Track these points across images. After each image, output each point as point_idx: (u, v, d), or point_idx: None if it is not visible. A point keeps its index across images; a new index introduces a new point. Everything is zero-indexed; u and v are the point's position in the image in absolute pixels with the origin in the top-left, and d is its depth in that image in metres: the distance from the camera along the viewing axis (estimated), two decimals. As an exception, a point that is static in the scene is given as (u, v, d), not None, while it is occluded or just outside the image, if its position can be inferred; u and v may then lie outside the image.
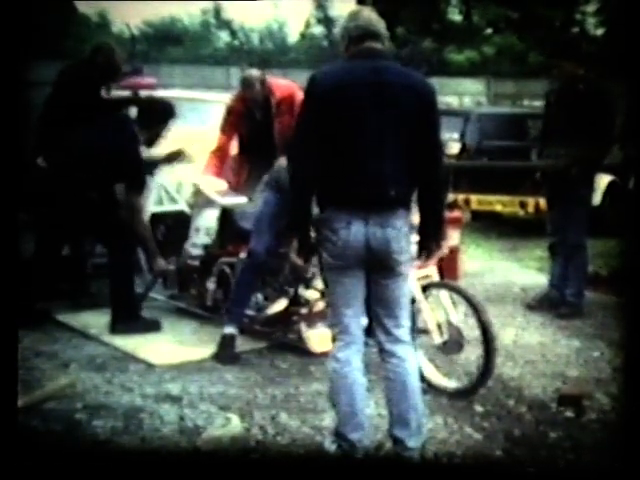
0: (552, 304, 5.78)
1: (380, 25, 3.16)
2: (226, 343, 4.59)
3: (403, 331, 3.21)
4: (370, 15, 3.18)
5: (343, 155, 3.03)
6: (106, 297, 5.89)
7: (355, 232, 3.02)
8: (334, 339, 3.24)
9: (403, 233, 3.09)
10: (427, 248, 3.24)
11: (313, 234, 3.20)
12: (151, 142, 5.20)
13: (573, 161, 5.49)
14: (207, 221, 5.28)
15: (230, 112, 5.39)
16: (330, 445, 3.25)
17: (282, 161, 4.61)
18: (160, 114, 5.22)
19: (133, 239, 5.13)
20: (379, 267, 3.10)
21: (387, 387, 3.23)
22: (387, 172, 3.03)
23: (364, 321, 3.25)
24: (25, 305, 4.89)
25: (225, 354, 4.56)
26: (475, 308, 4.02)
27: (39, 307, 5.17)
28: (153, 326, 5.09)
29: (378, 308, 3.18)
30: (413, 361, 3.23)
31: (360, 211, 3.02)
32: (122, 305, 5.04)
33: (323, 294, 4.73)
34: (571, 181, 5.52)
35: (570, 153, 5.50)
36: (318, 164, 3.03)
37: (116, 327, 4.96)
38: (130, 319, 5.03)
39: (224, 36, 40.50)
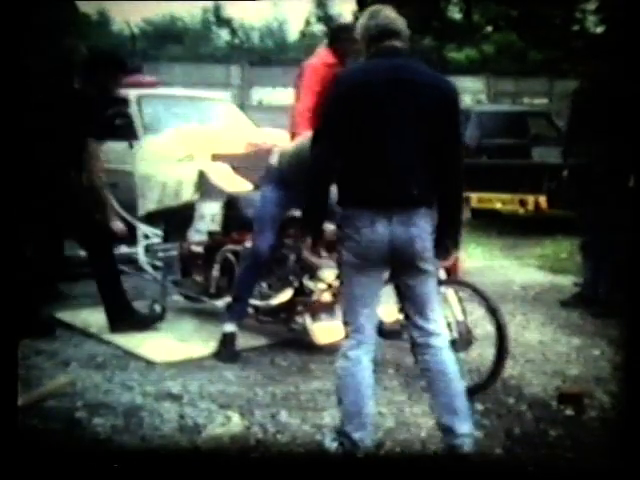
0: (585, 303, 5.78)
1: (400, 23, 3.17)
2: (227, 341, 4.58)
3: (435, 325, 3.22)
4: (390, 13, 3.18)
5: (366, 154, 3.04)
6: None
7: (379, 231, 3.01)
8: (347, 336, 3.24)
9: (426, 231, 3.09)
10: (445, 247, 3.23)
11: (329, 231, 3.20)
12: (102, 91, 5.08)
13: (604, 158, 5.49)
14: (212, 208, 5.26)
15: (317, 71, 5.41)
16: (330, 443, 3.25)
17: (277, 154, 4.65)
18: (108, 65, 5.13)
19: (108, 235, 5.07)
20: (403, 266, 3.11)
21: (428, 379, 3.24)
22: (410, 170, 3.04)
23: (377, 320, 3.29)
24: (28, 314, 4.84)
25: (226, 352, 4.56)
26: (490, 307, 4.01)
27: (43, 316, 5.10)
28: (151, 319, 5.08)
29: (407, 305, 3.21)
30: (448, 350, 3.24)
31: (384, 210, 3.02)
32: (113, 303, 5.01)
33: (329, 285, 4.73)
34: (602, 178, 5.53)
35: (600, 151, 5.50)
36: (337, 162, 3.05)
37: (114, 326, 4.95)
38: (125, 315, 5.00)
39: (224, 34, 40.57)
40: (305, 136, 4.70)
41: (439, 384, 3.20)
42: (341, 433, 3.20)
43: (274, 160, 4.65)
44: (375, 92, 3.02)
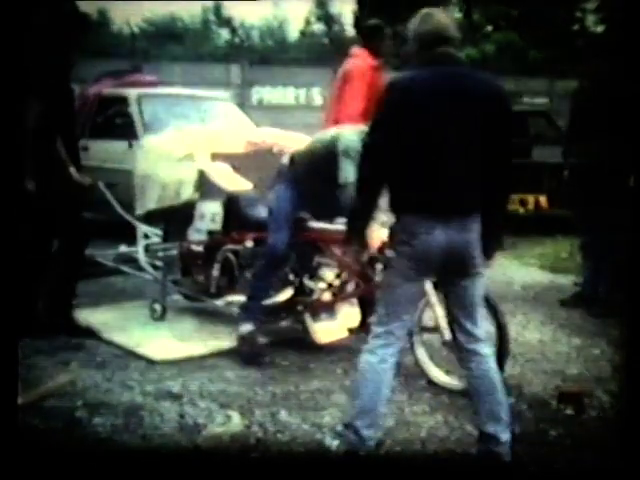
0: (586, 303, 5.79)
1: (453, 28, 3.12)
2: (247, 342, 4.58)
3: (481, 330, 3.24)
4: (444, 18, 3.14)
5: (423, 161, 3.02)
6: (106, 296, 5.94)
7: (436, 237, 3.01)
8: (374, 334, 3.20)
9: (478, 235, 3.11)
10: (492, 248, 3.23)
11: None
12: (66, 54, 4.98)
13: (605, 157, 5.49)
14: (212, 207, 5.26)
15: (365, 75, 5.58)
16: (331, 441, 3.26)
17: (288, 154, 4.68)
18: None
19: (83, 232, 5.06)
20: (457, 271, 3.12)
21: (473, 385, 3.24)
22: (466, 178, 3.05)
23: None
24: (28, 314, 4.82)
25: (248, 352, 4.55)
26: (490, 307, 4.02)
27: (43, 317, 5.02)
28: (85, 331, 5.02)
29: (457, 310, 3.21)
30: (492, 357, 3.26)
31: (440, 216, 3.02)
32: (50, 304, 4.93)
33: (329, 284, 4.73)
34: (602, 178, 5.53)
35: (601, 150, 5.50)
36: (388, 169, 3.05)
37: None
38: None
39: (224, 34, 40.54)
40: (317, 137, 4.71)
41: (484, 391, 3.20)
42: (349, 427, 3.18)
43: (286, 160, 4.67)
44: (432, 100, 3.00)
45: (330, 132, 4.61)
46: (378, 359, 3.15)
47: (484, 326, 3.27)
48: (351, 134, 4.33)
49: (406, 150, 3.01)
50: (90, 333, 4.97)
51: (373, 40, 5.85)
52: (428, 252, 3.03)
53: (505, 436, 3.17)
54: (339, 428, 3.31)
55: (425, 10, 3.18)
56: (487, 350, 3.24)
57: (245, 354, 4.55)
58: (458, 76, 3.07)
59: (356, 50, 5.95)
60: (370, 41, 5.85)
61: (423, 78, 3.06)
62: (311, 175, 4.52)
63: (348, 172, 4.18)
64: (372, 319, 3.29)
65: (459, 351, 3.28)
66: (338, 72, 6.04)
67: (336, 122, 5.45)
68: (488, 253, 3.21)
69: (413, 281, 3.12)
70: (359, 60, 5.82)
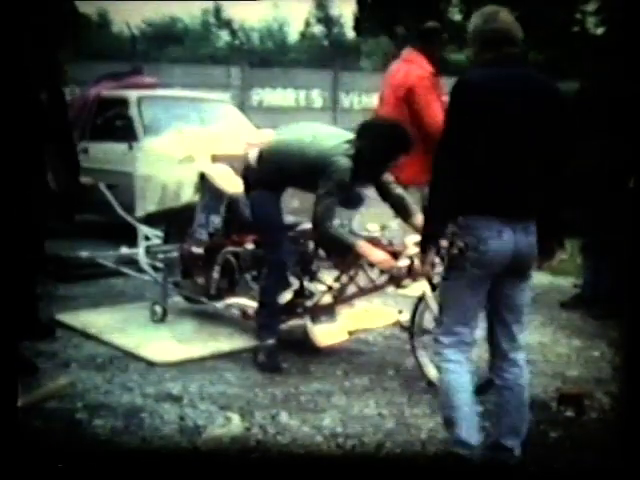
0: (586, 304, 5.78)
1: (516, 28, 3.07)
2: (266, 354, 4.49)
3: (524, 336, 3.24)
4: (507, 17, 3.08)
5: (494, 163, 2.97)
6: (106, 297, 5.94)
7: (506, 241, 2.98)
8: (443, 345, 3.16)
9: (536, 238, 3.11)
10: (552, 248, 3.22)
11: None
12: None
13: (605, 157, 5.50)
14: (213, 209, 5.25)
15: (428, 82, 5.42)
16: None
17: (254, 155, 4.52)
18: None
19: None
20: (516, 274, 3.10)
21: (503, 396, 3.21)
22: (531, 180, 3.02)
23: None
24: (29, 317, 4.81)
25: (268, 362, 4.47)
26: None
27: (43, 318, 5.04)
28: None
29: (507, 314, 3.17)
30: (528, 372, 3.25)
31: (509, 219, 2.99)
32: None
33: (329, 287, 4.73)
34: (602, 178, 5.53)
35: (602, 150, 5.51)
36: (463, 174, 2.97)
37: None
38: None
39: (224, 35, 40.57)
40: (280, 133, 4.68)
41: (513, 404, 3.18)
42: (459, 443, 3.10)
43: (253, 161, 4.52)
44: (504, 102, 2.95)
45: (308, 131, 4.55)
46: (458, 365, 3.12)
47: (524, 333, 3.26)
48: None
49: (477, 152, 2.95)
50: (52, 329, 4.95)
51: (431, 44, 5.58)
52: (497, 256, 2.99)
53: (519, 450, 3.17)
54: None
55: (488, 8, 3.12)
56: (524, 362, 3.22)
57: (264, 364, 4.46)
58: (525, 77, 3.02)
59: (410, 55, 5.63)
60: (428, 45, 5.56)
61: (493, 78, 2.99)
62: (279, 173, 4.44)
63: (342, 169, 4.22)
64: (437, 329, 3.23)
65: (498, 359, 3.23)
66: (385, 78, 5.76)
67: (424, 139, 5.09)
68: (547, 253, 3.19)
69: (479, 285, 3.06)
70: (418, 69, 5.52)
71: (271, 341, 4.51)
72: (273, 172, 4.45)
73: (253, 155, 4.52)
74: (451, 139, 2.98)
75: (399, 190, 4.54)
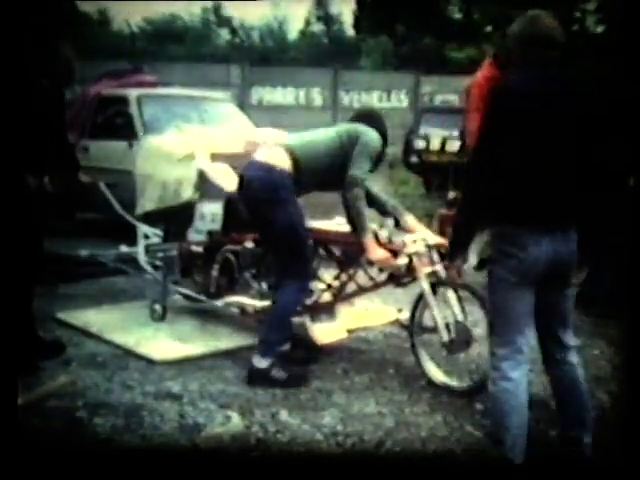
0: (585, 303, 5.78)
1: (560, 32, 3.07)
2: (258, 377, 4.20)
3: (572, 337, 3.25)
4: (551, 22, 3.08)
5: (532, 170, 2.96)
6: (106, 296, 5.94)
7: (544, 248, 2.99)
8: (498, 358, 3.10)
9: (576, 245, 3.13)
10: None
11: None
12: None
13: (605, 157, 5.51)
14: (212, 208, 5.26)
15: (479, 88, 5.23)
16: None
17: (286, 159, 4.26)
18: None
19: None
20: (559, 280, 3.12)
21: (559, 392, 3.27)
22: (570, 186, 3.03)
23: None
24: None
25: (293, 375, 4.25)
26: (487, 308, 4.02)
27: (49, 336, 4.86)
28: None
29: (553, 320, 3.19)
30: (580, 366, 3.27)
31: (548, 227, 3.00)
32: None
33: (329, 285, 4.73)
34: (603, 177, 5.53)
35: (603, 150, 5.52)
36: (501, 182, 2.96)
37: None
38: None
39: (224, 34, 40.56)
40: (318, 131, 4.59)
41: (572, 399, 3.23)
42: (503, 459, 3.06)
43: (285, 165, 4.23)
44: (542, 108, 2.94)
45: (342, 127, 4.52)
46: (514, 384, 3.05)
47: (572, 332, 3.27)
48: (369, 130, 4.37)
49: (516, 158, 2.94)
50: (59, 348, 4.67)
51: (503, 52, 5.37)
52: (537, 263, 2.99)
53: (587, 439, 3.20)
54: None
55: (532, 12, 3.13)
56: (575, 358, 3.24)
57: (290, 378, 4.22)
58: (566, 82, 3.03)
59: (485, 62, 5.57)
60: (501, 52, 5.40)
61: (535, 83, 2.99)
62: (314, 175, 4.32)
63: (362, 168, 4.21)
64: (491, 340, 3.17)
65: (547, 359, 3.27)
66: None
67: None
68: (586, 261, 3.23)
69: (525, 292, 3.05)
70: (479, 73, 5.46)
71: (263, 364, 4.20)
72: (314, 172, 4.29)
73: (285, 162, 4.23)
74: (489, 145, 2.98)
75: (385, 196, 4.58)
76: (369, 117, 4.54)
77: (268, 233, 4.32)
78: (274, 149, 4.32)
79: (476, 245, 5.84)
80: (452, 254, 3.29)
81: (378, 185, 4.59)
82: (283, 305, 4.29)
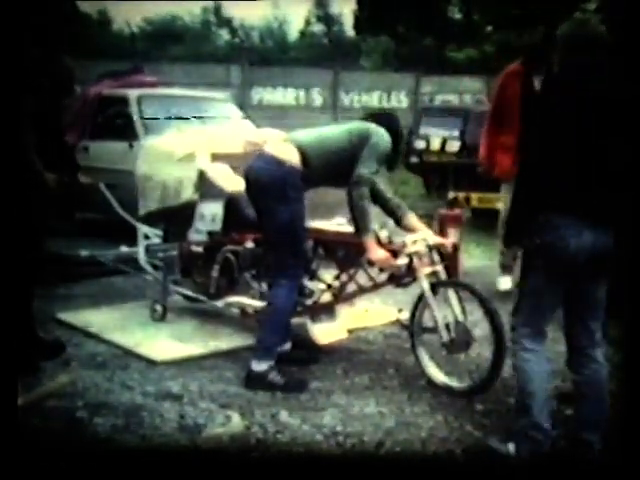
0: None
1: (604, 36, 3.21)
2: (256, 380, 4.17)
3: (600, 333, 3.31)
4: (598, 26, 3.22)
5: (576, 164, 3.07)
6: (106, 296, 5.94)
7: (585, 240, 3.06)
8: (521, 335, 3.30)
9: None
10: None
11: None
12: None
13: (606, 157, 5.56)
14: (212, 208, 5.26)
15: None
16: (506, 446, 3.31)
17: (294, 152, 4.22)
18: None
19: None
20: (596, 272, 3.17)
21: (582, 391, 3.30)
22: (612, 181, 3.11)
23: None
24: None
25: (293, 382, 4.22)
26: (486, 308, 4.03)
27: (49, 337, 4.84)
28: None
29: (585, 312, 3.26)
30: (607, 366, 3.32)
31: (589, 219, 3.07)
32: None
33: (329, 286, 4.73)
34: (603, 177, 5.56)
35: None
36: (547, 174, 3.09)
37: None
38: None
39: (224, 34, 40.55)
40: (328, 128, 4.56)
41: (593, 399, 3.27)
42: (534, 427, 3.21)
43: (295, 160, 4.21)
44: (587, 106, 3.09)
45: (353, 125, 4.49)
46: (536, 355, 3.26)
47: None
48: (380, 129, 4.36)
49: (565, 153, 3.07)
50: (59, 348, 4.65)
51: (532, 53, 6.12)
52: (575, 254, 3.06)
53: (598, 445, 3.23)
54: (520, 430, 3.29)
55: (580, 15, 3.31)
56: (602, 357, 3.29)
57: (289, 383, 4.18)
58: (609, 82, 3.18)
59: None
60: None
61: (581, 82, 3.14)
62: (323, 171, 4.30)
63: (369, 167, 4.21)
64: (514, 318, 3.36)
65: (576, 355, 3.32)
66: None
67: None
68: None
69: (559, 282, 3.16)
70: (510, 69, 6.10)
71: (262, 367, 4.17)
72: (322, 169, 4.27)
73: (294, 158, 4.21)
74: (538, 139, 3.12)
75: (389, 194, 4.58)
76: (384, 118, 4.52)
77: (267, 226, 4.31)
78: (284, 144, 4.32)
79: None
80: (506, 242, 3.47)
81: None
82: (277, 307, 4.28)
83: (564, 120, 3.07)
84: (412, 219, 4.51)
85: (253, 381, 4.16)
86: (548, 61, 5.70)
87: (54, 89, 4.75)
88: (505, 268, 6.55)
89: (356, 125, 4.45)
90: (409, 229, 4.45)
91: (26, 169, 4.32)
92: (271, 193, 4.18)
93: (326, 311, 4.74)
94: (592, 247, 3.07)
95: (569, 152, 3.06)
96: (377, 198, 4.51)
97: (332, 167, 4.28)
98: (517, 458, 3.26)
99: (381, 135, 4.32)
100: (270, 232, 4.30)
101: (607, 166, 3.09)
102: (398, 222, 4.55)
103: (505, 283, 6.42)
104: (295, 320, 4.58)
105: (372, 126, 4.38)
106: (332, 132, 4.44)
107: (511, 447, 3.29)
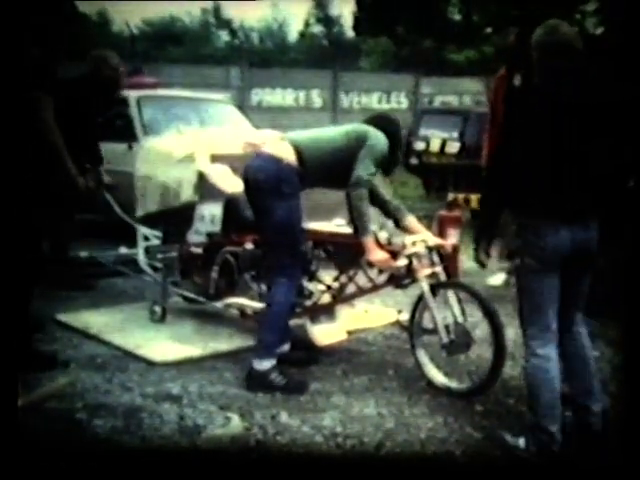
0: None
1: (578, 41, 3.36)
2: (257, 380, 4.18)
3: (581, 315, 3.59)
4: (569, 30, 3.38)
5: (549, 167, 3.25)
6: (106, 297, 5.94)
7: (563, 237, 3.27)
8: (529, 338, 3.45)
9: (597, 234, 3.38)
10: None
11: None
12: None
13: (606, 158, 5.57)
14: (212, 209, 5.25)
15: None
16: (515, 440, 3.44)
17: (290, 151, 4.23)
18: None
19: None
20: (580, 265, 3.39)
21: (571, 362, 3.54)
22: (585, 181, 3.29)
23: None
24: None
25: (293, 383, 4.20)
26: (485, 309, 4.03)
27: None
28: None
29: (574, 299, 3.50)
30: (588, 336, 3.60)
31: (565, 219, 3.27)
32: None
33: (328, 287, 4.73)
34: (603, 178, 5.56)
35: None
36: (517, 177, 3.30)
37: None
38: None
39: (224, 35, 40.52)
40: (326, 129, 4.58)
41: (580, 367, 3.53)
42: (538, 428, 3.35)
43: (291, 158, 4.23)
44: (563, 109, 3.24)
45: (350, 127, 4.49)
46: (544, 359, 3.37)
47: None
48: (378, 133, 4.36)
49: (535, 157, 3.25)
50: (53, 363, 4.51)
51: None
52: (556, 251, 3.27)
53: (596, 407, 3.49)
54: (528, 427, 3.43)
55: (551, 21, 3.40)
56: (584, 328, 3.57)
57: (289, 384, 4.17)
58: (583, 85, 3.31)
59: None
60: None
61: (554, 86, 3.29)
62: (320, 170, 4.31)
63: (366, 170, 4.21)
64: (521, 321, 3.57)
65: (565, 332, 3.51)
66: None
67: None
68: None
69: (549, 277, 3.34)
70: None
71: (264, 365, 4.18)
72: (318, 169, 4.29)
73: (291, 156, 4.23)
74: (511, 143, 3.31)
75: (389, 197, 4.58)
76: (382, 121, 4.52)
77: (264, 224, 4.31)
78: (281, 143, 4.34)
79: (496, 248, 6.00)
80: (477, 239, 3.61)
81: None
82: (276, 306, 4.27)
83: (537, 123, 3.24)
84: (412, 221, 4.52)
85: (254, 380, 4.16)
86: (525, 63, 5.79)
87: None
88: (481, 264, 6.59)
89: (354, 128, 4.45)
90: (408, 231, 4.46)
91: (61, 173, 4.41)
92: (266, 190, 4.20)
93: (325, 312, 4.74)
94: (572, 243, 3.28)
95: (543, 155, 3.24)
96: (376, 200, 4.51)
97: (328, 168, 4.29)
98: (526, 452, 3.37)
99: (379, 138, 4.33)
100: (267, 230, 4.31)
101: (580, 168, 3.25)
102: (397, 224, 4.55)
103: (495, 279, 6.54)
104: (294, 321, 4.59)
105: (370, 129, 4.39)
106: (328, 133, 4.46)
107: (521, 441, 3.42)
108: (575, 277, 3.42)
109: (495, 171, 3.43)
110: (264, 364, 4.17)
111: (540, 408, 3.35)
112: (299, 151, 4.24)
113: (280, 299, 4.27)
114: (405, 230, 4.49)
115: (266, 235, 4.37)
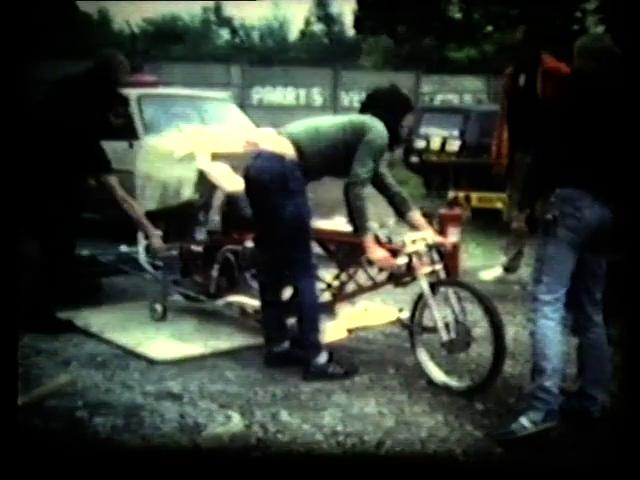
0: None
1: (613, 49, 3.74)
2: (318, 374, 4.31)
3: (601, 301, 3.74)
4: (608, 41, 3.79)
5: (589, 147, 3.54)
6: (106, 296, 5.94)
7: (596, 212, 3.48)
8: (542, 302, 3.57)
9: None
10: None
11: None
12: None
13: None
14: (212, 208, 5.25)
15: None
16: (525, 420, 3.50)
17: (289, 145, 4.24)
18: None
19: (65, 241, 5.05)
20: (602, 243, 3.58)
21: (587, 352, 3.73)
22: (618, 163, 3.53)
23: None
24: (46, 312, 4.99)
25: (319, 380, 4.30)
26: (486, 308, 4.03)
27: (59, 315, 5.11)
28: (66, 326, 5.05)
29: (590, 280, 3.67)
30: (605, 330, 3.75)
31: (599, 194, 3.48)
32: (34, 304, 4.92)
33: (329, 285, 4.73)
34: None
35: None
36: (564, 154, 3.55)
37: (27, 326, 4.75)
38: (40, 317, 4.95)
39: (225, 34, 40.58)
40: (323, 120, 4.53)
41: (595, 358, 3.71)
42: (543, 389, 3.48)
43: (292, 154, 4.24)
44: (599, 100, 3.59)
45: (350, 118, 4.47)
46: (554, 322, 3.54)
47: None
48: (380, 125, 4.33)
49: (577, 138, 3.54)
50: (70, 327, 5.04)
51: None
52: (589, 224, 3.48)
53: (601, 397, 3.70)
54: (530, 394, 3.58)
55: (594, 33, 3.78)
56: (602, 322, 3.72)
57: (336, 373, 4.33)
58: (612, 83, 3.67)
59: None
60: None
61: (594, 81, 3.65)
62: (319, 163, 4.31)
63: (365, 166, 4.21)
64: (536, 288, 3.62)
65: (583, 321, 3.71)
66: None
67: None
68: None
69: (574, 250, 3.52)
70: None
71: (326, 354, 4.36)
72: (318, 162, 4.29)
73: (290, 151, 4.23)
74: (557, 126, 3.60)
75: (397, 188, 4.57)
76: (381, 100, 4.53)
77: (276, 224, 4.28)
78: (278, 138, 4.33)
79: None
80: (520, 206, 3.76)
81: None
82: (308, 303, 4.35)
83: (579, 112, 3.56)
84: (416, 215, 4.51)
85: (314, 374, 4.28)
86: (533, 59, 5.92)
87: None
88: (508, 270, 6.67)
89: (350, 121, 4.38)
90: (413, 225, 4.46)
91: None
92: (273, 190, 4.19)
93: (326, 310, 4.74)
94: (600, 219, 3.49)
95: (583, 138, 3.53)
96: (385, 191, 4.52)
97: (326, 158, 4.30)
98: (534, 426, 3.46)
99: (377, 130, 4.28)
100: (279, 229, 4.28)
101: (613, 151, 3.53)
102: (402, 216, 4.54)
103: (487, 274, 6.72)
104: (294, 319, 4.58)
105: (368, 120, 4.34)
106: (325, 126, 4.39)
107: (523, 420, 3.48)
108: (596, 258, 3.62)
109: (544, 148, 3.64)
110: (321, 360, 4.30)
111: (549, 367, 3.47)
112: (298, 145, 4.24)
113: (312, 297, 4.37)
114: (409, 224, 4.49)
115: (279, 234, 4.32)
